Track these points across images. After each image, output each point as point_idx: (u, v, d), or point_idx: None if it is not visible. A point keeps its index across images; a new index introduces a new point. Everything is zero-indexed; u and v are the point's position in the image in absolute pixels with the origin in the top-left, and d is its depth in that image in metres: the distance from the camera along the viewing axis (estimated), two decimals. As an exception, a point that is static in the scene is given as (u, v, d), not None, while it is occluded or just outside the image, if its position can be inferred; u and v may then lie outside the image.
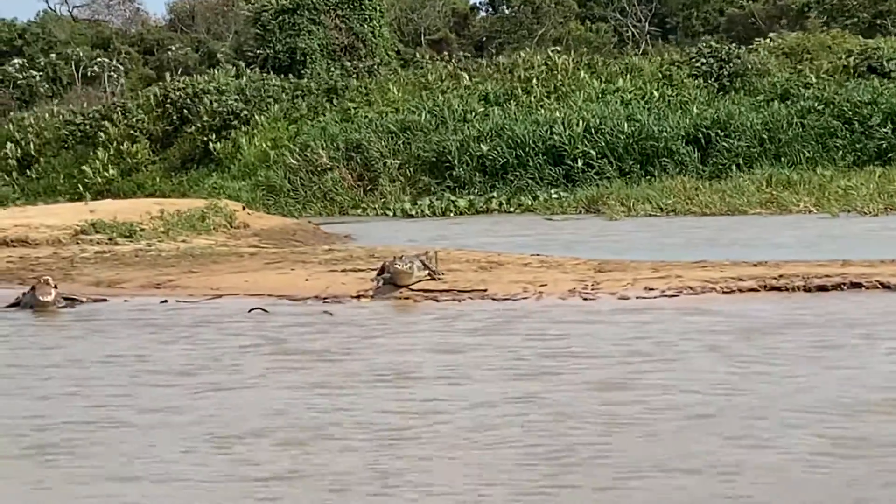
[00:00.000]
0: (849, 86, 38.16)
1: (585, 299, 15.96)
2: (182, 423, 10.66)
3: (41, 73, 59.45)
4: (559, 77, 42.87)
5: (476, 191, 38.09)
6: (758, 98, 39.40)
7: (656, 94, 40.70)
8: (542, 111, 40.30)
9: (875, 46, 41.97)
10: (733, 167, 36.16)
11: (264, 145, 42.52)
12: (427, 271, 17.53)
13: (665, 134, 37.49)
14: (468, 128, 39.98)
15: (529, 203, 36.21)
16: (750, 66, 40.94)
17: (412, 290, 17.22)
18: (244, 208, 30.29)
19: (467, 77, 44.12)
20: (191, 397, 11.73)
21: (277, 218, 31.89)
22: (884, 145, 36.09)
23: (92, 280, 20.72)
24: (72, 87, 58.38)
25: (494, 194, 37.30)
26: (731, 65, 41.19)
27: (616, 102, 40.18)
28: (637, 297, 15.68)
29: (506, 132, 39.11)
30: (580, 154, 37.66)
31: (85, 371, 13.38)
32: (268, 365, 13.14)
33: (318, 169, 40.21)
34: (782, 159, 35.88)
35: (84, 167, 46.04)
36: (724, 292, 15.60)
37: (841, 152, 35.97)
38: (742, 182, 33.62)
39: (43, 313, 18.39)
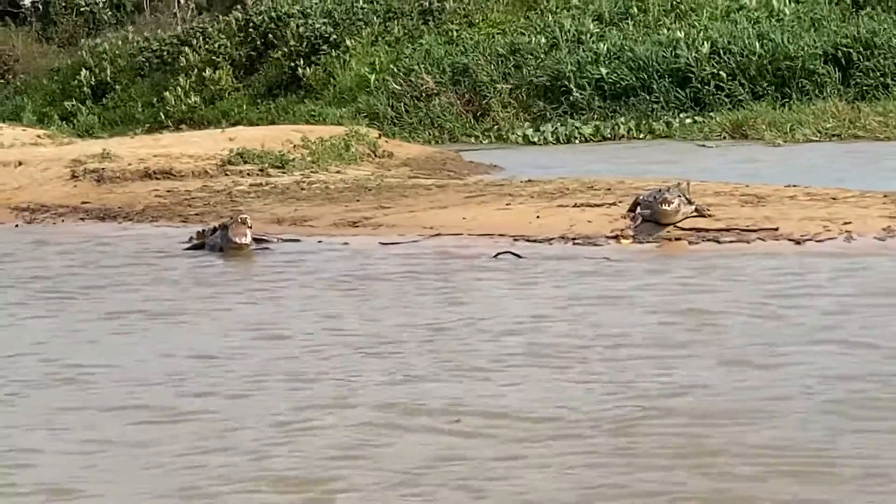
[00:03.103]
0: None
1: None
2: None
3: (105, 0, 56.89)
4: (677, -6, 40.15)
5: (596, 116, 35.65)
6: (898, 14, 36.70)
7: (786, 10, 38.01)
8: (664, 31, 37.72)
9: None
10: (880, 89, 33.59)
11: (362, 70, 40.05)
12: (693, 207, 15.16)
13: (802, 53, 34.88)
14: (583, 49, 37.45)
15: (662, 129, 33.74)
16: (888, -20, 38.12)
17: (679, 228, 14.87)
18: (381, 136, 27.89)
19: (575, -5, 41.43)
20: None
21: (418, 146, 29.50)
22: None
23: (269, 217, 18.40)
24: (139, 13, 55.83)
25: (621, 120, 34.82)
26: (867, -21, 38.37)
27: (743, 21, 37.54)
28: None
29: (625, 53, 36.56)
30: (709, 76, 35.15)
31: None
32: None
33: (424, 94, 37.79)
34: (937, 81, 33.24)
35: (165, 94, 43.77)
36: None
37: None
38: (905, 104, 31.08)
39: (238, 257, 16.11)
